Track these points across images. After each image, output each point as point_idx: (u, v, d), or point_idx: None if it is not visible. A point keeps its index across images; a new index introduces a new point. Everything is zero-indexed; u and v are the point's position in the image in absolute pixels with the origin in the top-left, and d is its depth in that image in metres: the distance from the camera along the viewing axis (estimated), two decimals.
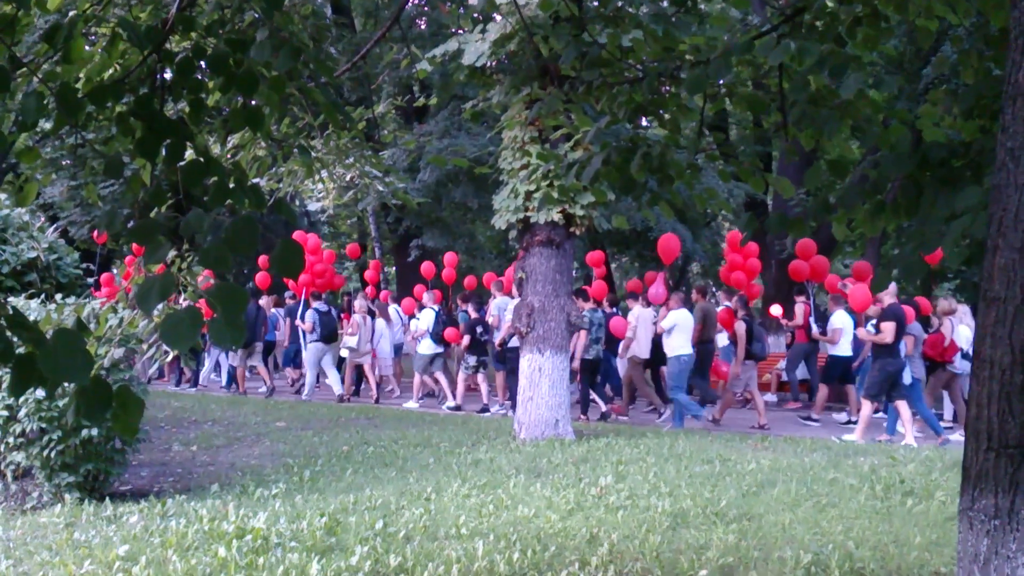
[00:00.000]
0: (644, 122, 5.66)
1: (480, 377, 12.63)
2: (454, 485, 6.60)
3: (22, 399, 6.09)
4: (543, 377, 9.25)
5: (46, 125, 3.29)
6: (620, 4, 5.47)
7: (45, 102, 2.60)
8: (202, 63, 2.94)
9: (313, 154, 5.64)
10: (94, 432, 6.17)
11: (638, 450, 8.25)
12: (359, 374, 14.51)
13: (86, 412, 2.09)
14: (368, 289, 16.09)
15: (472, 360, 12.47)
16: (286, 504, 6.07)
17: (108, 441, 6.33)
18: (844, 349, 11.09)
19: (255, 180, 4.94)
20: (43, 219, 12.20)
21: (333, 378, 14.11)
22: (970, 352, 10.40)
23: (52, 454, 6.20)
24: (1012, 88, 2.44)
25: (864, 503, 5.97)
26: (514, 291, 10.91)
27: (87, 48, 3.25)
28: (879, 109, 3.90)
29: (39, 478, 6.47)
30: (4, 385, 6.12)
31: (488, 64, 9.02)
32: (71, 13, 4.02)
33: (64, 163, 15.77)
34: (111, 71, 3.40)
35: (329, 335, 13.79)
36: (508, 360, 11.84)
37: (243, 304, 1.86)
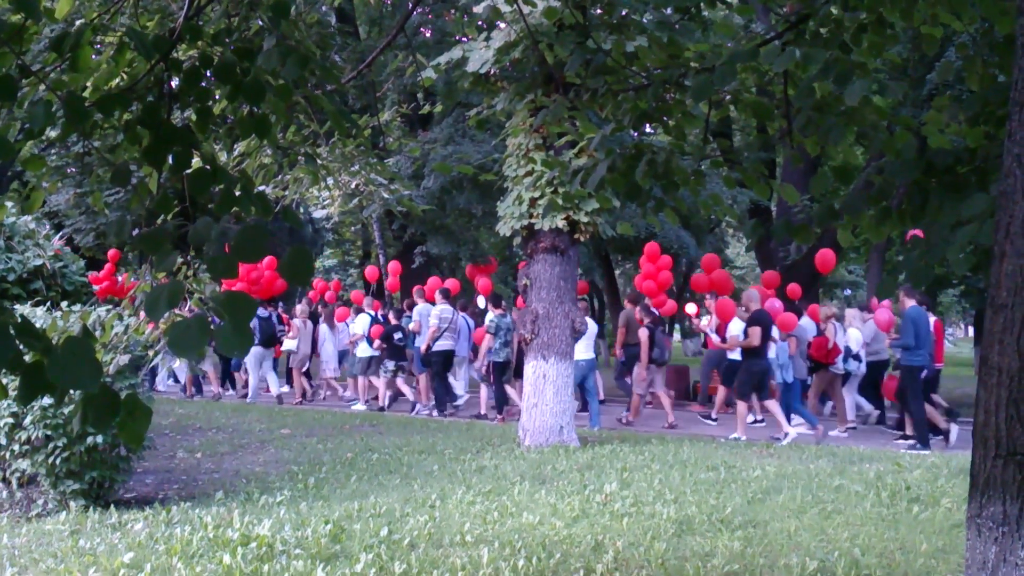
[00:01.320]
0: (648, 129, 5.67)
1: (400, 380, 13.42)
2: (459, 492, 6.59)
3: (26, 406, 6.10)
4: (547, 384, 9.24)
5: (51, 133, 3.31)
6: (624, 12, 5.49)
7: (53, 110, 2.61)
8: (209, 72, 2.95)
9: (319, 161, 5.66)
10: (99, 439, 6.18)
11: (643, 457, 8.24)
12: (308, 376, 15.40)
13: (93, 420, 2.09)
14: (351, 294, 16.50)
15: (391, 364, 13.18)
16: (291, 511, 6.07)
17: (113, 448, 6.34)
18: (779, 357, 11.34)
19: (261, 188, 4.96)
20: (49, 227, 12.24)
21: (272, 381, 14.97)
22: (861, 354, 11.26)
23: (57, 461, 6.20)
24: (1019, 95, 2.44)
25: (870, 510, 5.95)
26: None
27: (94, 57, 3.26)
28: (884, 115, 3.90)
29: (44, 485, 6.48)
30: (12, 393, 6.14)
31: (492, 71, 9.04)
32: (79, 22, 4.04)
33: (70, 171, 15.83)
34: (118, 80, 3.41)
35: (267, 340, 14.49)
36: (432, 363, 12.70)
37: (251, 312, 1.86)
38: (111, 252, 16.24)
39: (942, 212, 3.33)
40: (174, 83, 3.04)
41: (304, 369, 15.05)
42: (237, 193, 2.79)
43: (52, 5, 3.44)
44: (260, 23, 3.83)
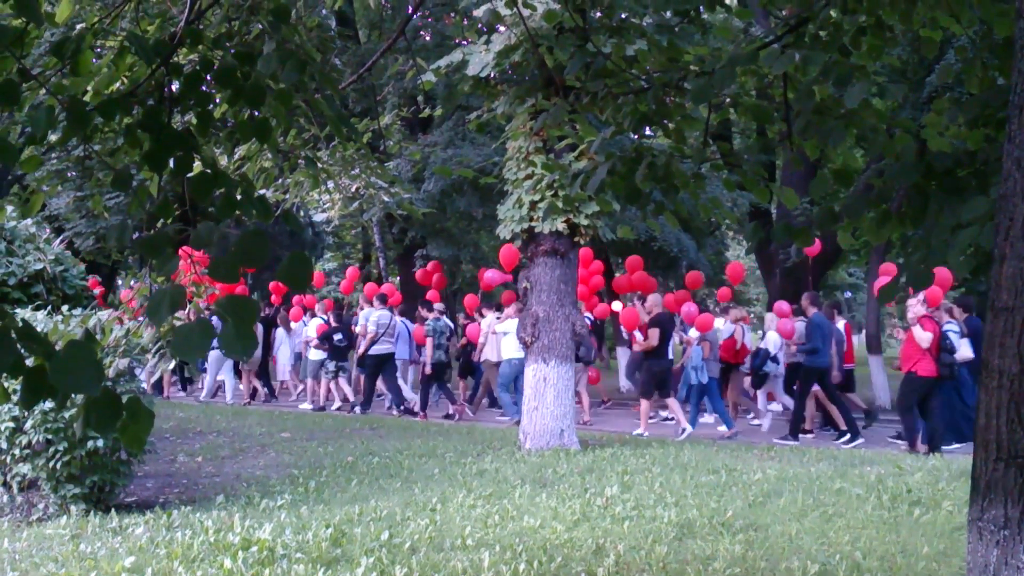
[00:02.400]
0: (648, 132, 5.68)
1: (342, 380, 13.97)
2: (459, 495, 6.59)
3: (28, 411, 6.10)
4: (548, 387, 9.24)
5: (52, 137, 3.31)
6: (624, 15, 5.49)
7: (55, 114, 2.61)
8: (209, 76, 2.96)
9: (319, 165, 5.66)
10: (100, 443, 6.18)
11: (644, 460, 8.23)
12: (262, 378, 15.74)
13: (96, 424, 2.09)
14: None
15: (332, 366, 13.81)
16: (291, 515, 6.07)
17: (114, 452, 6.34)
18: (693, 359, 11.66)
19: (261, 191, 4.95)
20: (49, 231, 12.25)
21: (229, 383, 15.23)
22: (779, 356, 11.65)
23: (58, 466, 6.20)
24: (1018, 98, 2.44)
25: (871, 513, 5.95)
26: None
27: (95, 61, 3.27)
28: (884, 118, 3.90)
29: (45, 490, 6.47)
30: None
31: (492, 75, 9.05)
32: (79, 26, 4.05)
33: (70, 175, 15.83)
34: (118, 84, 3.41)
35: None
36: (368, 365, 13.28)
37: (254, 315, 1.87)
38: (94, 282, 15.88)
39: (942, 215, 3.33)
40: (174, 87, 3.05)
41: (256, 371, 15.35)
42: (238, 197, 2.79)
43: (52, 10, 3.45)
44: (260, 27, 3.84)
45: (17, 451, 6.33)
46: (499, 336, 12.11)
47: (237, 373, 15.27)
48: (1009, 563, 2.36)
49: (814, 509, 6.07)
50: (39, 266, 8.50)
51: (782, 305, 12.21)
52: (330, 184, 7.71)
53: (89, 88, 3.29)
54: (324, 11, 15.18)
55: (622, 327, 13.46)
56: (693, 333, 11.47)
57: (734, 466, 7.79)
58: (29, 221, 8.86)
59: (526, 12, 6.78)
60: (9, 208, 8.63)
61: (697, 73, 3.91)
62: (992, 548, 2.40)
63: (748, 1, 14.75)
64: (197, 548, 5.05)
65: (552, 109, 4.56)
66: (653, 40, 4.45)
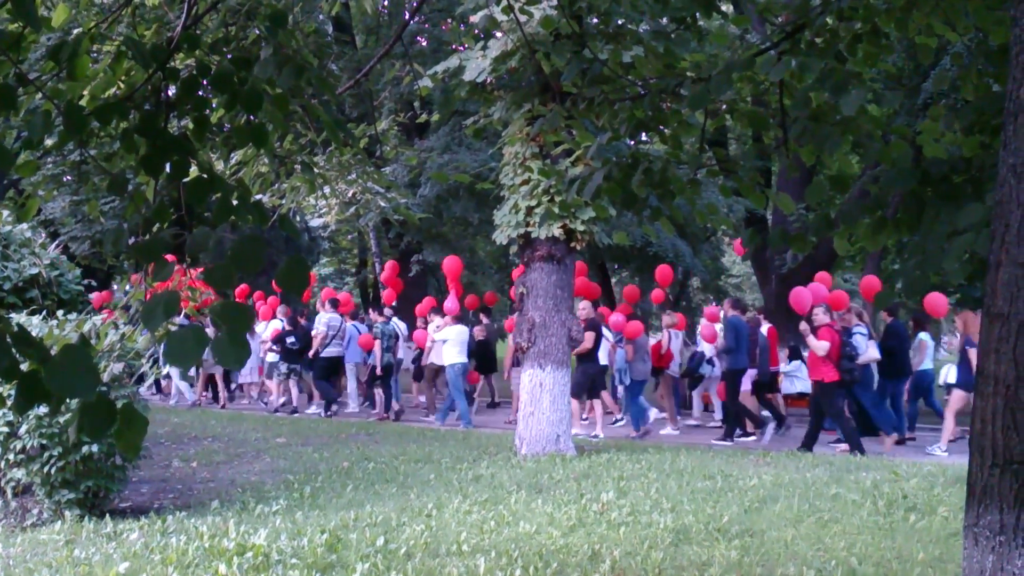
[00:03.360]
0: (644, 137, 5.69)
1: (292, 382, 14.28)
2: (455, 501, 6.58)
3: (22, 415, 6.08)
4: (544, 392, 9.23)
5: (48, 141, 3.30)
6: (621, 22, 5.51)
7: (52, 119, 2.61)
8: (206, 81, 2.96)
9: (315, 170, 5.66)
10: (94, 448, 6.16)
11: (640, 466, 8.23)
12: (214, 381, 15.96)
13: (90, 429, 2.08)
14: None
15: (283, 368, 14.16)
16: (287, 521, 6.05)
17: (108, 458, 6.32)
18: (618, 361, 12.35)
19: (258, 196, 4.95)
20: (44, 235, 12.22)
21: (184, 388, 15.52)
22: (715, 359, 12.16)
23: (52, 471, 6.18)
24: (1014, 105, 2.46)
25: (867, 519, 5.95)
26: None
27: (92, 66, 3.27)
28: (880, 125, 3.92)
29: (39, 495, 6.45)
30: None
31: (489, 80, 9.06)
32: (76, 31, 4.05)
33: (65, 179, 15.81)
34: (115, 88, 3.41)
35: None
36: (318, 369, 13.87)
37: (248, 322, 1.86)
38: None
39: (938, 221, 3.34)
40: (171, 91, 3.04)
41: (220, 373, 15.57)
42: (234, 202, 2.79)
43: (49, 14, 3.45)
44: (257, 32, 3.84)
45: (11, 456, 6.31)
46: (439, 342, 12.74)
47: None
48: (1005, 569, 2.37)
49: (810, 515, 6.07)
50: (34, 270, 8.48)
51: (712, 310, 12.90)
52: (326, 189, 7.71)
53: (85, 92, 3.29)
54: (321, 16, 15.20)
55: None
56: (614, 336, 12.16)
57: (730, 472, 7.79)
58: (24, 225, 8.84)
59: (523, 18, 6.79)
60: (4, 212, 8.61)
61: (694, 79, 3.92)
62: (988, 554, 2.40)
63: (744, 8, 14.80)
64: (192, 554, 5.04)
65: (549, 115, 4.57)
66: (650, 46, 4.47)
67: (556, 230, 9.18)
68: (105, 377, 6.07)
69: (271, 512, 6.47)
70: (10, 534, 6.10)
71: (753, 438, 11.13)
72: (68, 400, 2.09)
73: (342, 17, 18.87)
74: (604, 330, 11.80)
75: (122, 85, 3.30)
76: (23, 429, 6.18)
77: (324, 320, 13.77)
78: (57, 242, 13.39)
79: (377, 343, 13.07)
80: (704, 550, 5.17)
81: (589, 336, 10.98)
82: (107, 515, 6.32)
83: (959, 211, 3.09)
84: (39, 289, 8.38)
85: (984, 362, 2.44)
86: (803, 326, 10.54)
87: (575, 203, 7.28)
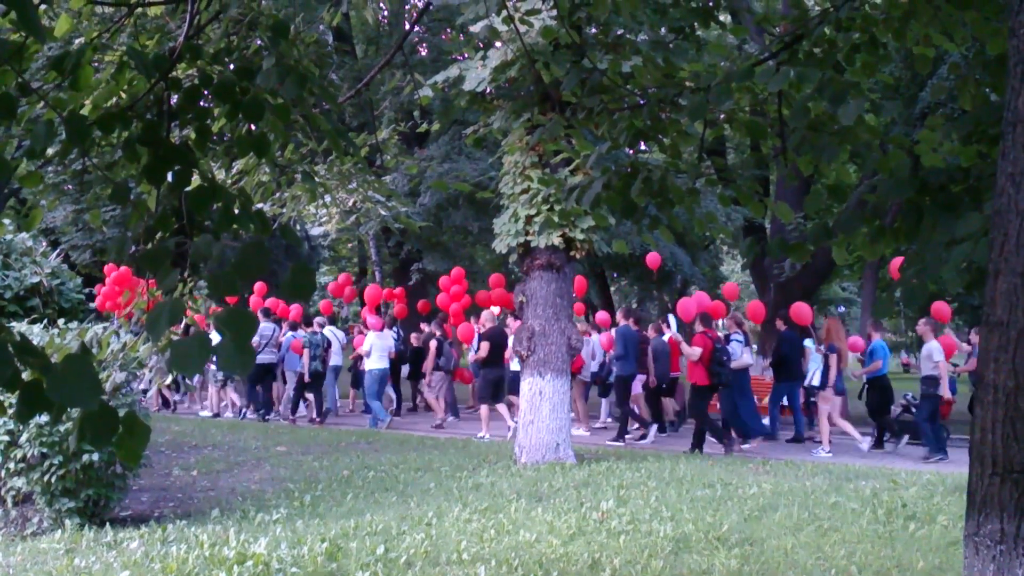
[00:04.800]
0: (643, 147, 5.71)
1: (230, 388, 14.94)
2: (455, 510, 6.57)
3: (24, 424, 6.08)
4: (544, 401, 9.23)
5: (49, 151, 3.31)
6: (620, 32, 5.53)
7: (55, 128, 2.62)
8: (208, 91, 2.97)
9: (316, 179, 5.67)
10: (95, 457, 6.15)
11: (639, 474, 8.23)
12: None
13: (92, 437, 2.09)
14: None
15: (220, 374, 14.66)
16: (287, 529, 6.04)
17: (109, 466, 6.31)
18: (500, 366, 12.79)
19: (259, 205, 4.96)
20: (45, 244, 12.24)
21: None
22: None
23: (53, 479, 6.17)
24: (1012, 115, 2.47)
25: (866, 527, 5.95)
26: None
27: (94, 76, 3.28)
28: (878, 135, 3.93)
29: (39, 503, 6.44)
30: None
31: (489, 90, 9.08)
32: (77, 40, 4.06)
33: (67, 188, 15.82)
34: (116, 98, 3.42)
35: None
36: (250, 374, 13.71)
37: (253, 329, 1.87)
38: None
39: (936, 231, 3.35)
40: (173, 101, 3.06)
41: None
42: (236, 211, 2.80)
43: (51, 24, 3.46)
44: (259, 42, 3.86)
45: (12, 465, 6.31)
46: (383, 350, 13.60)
47: None
48: None
49: (809, 523, 6.07)
50: (35, 279, 8.49)
51: (604, 315, 13.61)
52: (327, 198, 7.73)
53: (87, 102, 3.30)
54: (322, 27, 15.25)
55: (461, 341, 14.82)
56: None
57: (730, 480, 7.78)
58: (25, 234, 8.85)
59: (523, 28, 6.82)
60: (6, 221, 8.62)
61: (693, 90, 3.93)
62: (988, 563, 2.41)
63: (742, 18, 14.86)
64: (192, 563, 5.03)
65: (548, 124, 4.59)
66: (649, 56, 4.49)
67: (555, 239, 9.20)
68: (108, 386, 6.07)
69: (271, 521, 6.46)
70: (10, 543, 6.09)
71: (645, 441, 11.84)
72: (69, 409, 2.10)
73: (343, 27, 18.92)
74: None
75: (124, 95, 3.32)
76: (24, 438, 6.19)
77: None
78: (58, 251, 13.40)
79: (306, 352, 13.65)
80: (704, 559, 5.17)
81: (485, 345, 12.01)
82: (107, 524, 6.31)
83: (957, 220, 3.11)
84: (40, 298, 8.38)
85: (984, 371, 2.45)
86: (675, 334, 11.72)
87: (574, 212, 7.28)
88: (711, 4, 4.53)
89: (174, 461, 9.74)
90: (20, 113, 2.95)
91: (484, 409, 12.25)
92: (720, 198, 4.63)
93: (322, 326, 14.40)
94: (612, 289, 27.36)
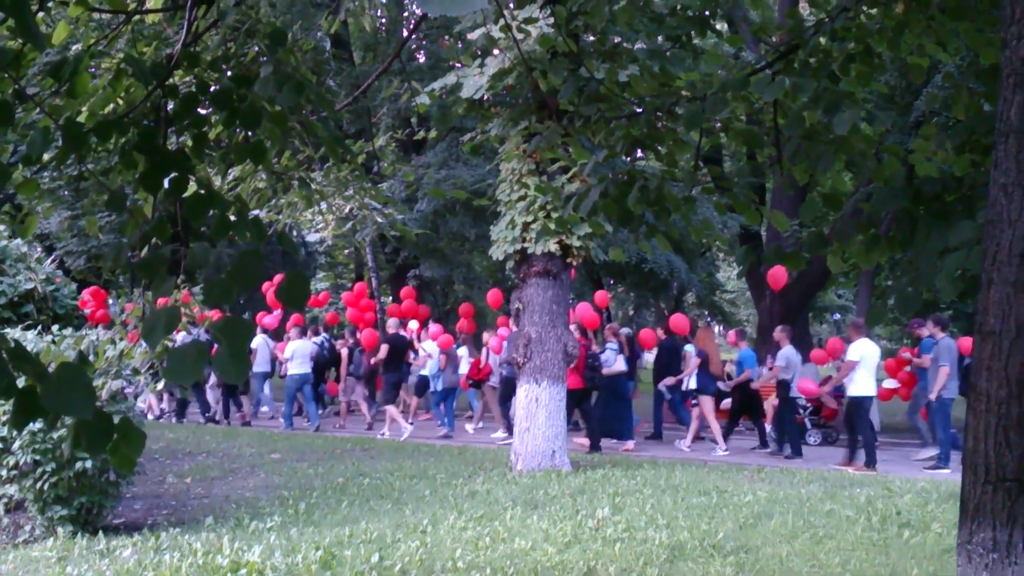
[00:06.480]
0: (639, 154, 5.72)
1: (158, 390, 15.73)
2: (450, 517, 6.56)
3: (19, 432, 6.06)
4: (540, 408, 9.23)
5: (45, 156, 3.31)
6: (617, 40, 5.55)
7: (51, 135, 2.62)
8: (205, 98, 2.97)
9: (313, 186, 5.68)
10: (88, 464, 6.13)
11: (635, 482, 8.22)
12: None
13: (87, 445, 2.09)
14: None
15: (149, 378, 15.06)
16: (281, 537, 6.03)
17: (102, 474, 6.29)
18: (431, 370, 13.74)
19: (255, 212, 4.97)
20: (40, 250, 12.22)
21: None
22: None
23: (45, 487, 6.15)
24: (1004, 125, 2.49)
25: (861, 535, 5.95)
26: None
27: (93, 82, 3.28)
28: (872, 143, 3.95)
29: (32, 511, 6.42)
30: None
31: (486, 97, 9.10)
32: (75, 47, 4.07)
33: (62, 193, 15.80)
34: (113, 105, 3.43)
35: None
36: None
37: (249, 337, 1.87)
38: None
39: (930, 239, 3.37)
40: (170, 107, 3.06)
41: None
42: (232, 218, 2.80)
43: (48, 30, 3.47)
44: (256, 50, 3.87)
45: (4, 472, 6.28)
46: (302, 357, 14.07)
47: None
48: None
49: (804, 531, 6.07)
50: (30, 285, 8.47)
51: (503, 320, 14.29)
52: (323, 205, 7.73)
53: (84, 109, 3.30)
54: (319, 33, 15.27)
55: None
56: (429, 347, 13.57)
57: (725, 488, 7.78)
58: (20, 240, 8.84)
59: (520, 36, 6.84)
60: (1, 227, 8.61)
61: (689, 99, 3.95)
62: (981, 571, 2.41)
63: (739, 28, 14.91)
64: (186, 571, 5.02)
65: (545, 132, 4.61)
66: (645, 65, 4.50)
67: (552, 246, 9.21)
68: (104, 394, 6.05)
69: (265, 528, 6.45)
70: (2, 551, 6.07)
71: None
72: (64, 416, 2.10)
73: (340, 34, 18.94)
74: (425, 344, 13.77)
75: (121, 102, 3.32)
76: (16, 445, 6.16)
77: (197, 334, 14.66)
78: (52, 257, 13.38)
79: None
80: (699, 566, 5.17)
81: (384, 349, 12.99)
82: (100, 531, 6.29)
83: (951, 229, 3.12)
84: (34, 304, 8.37)
85: (976, 379, 2.46)
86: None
87: (571, 219, 7.30)
88: (707, 13, 4.56)
89: (168, 468, 9.71)
90: (16, 119, 2.95)
91: (392, 409, 13.06)
92: (716, 206, 4.65)
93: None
94: (609, 296, 27.38)
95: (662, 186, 4.09)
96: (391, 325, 13.72)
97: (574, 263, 9.55)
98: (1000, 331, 2.40)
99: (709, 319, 32.98)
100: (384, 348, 13.05)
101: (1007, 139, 2.48)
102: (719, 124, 4.30)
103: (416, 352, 14.23)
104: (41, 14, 3.26)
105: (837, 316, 34.71)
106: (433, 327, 14.37)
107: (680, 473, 8.81)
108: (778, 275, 13.84)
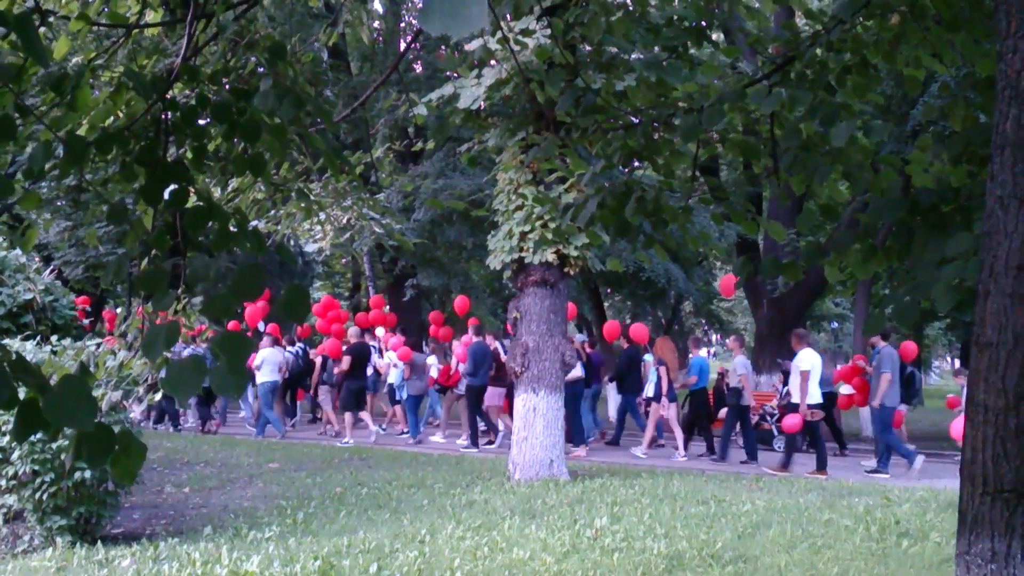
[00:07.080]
0: (637, 165, 5.74)
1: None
2: (448, 527, 6.56)
3: (21, 443, 6.05)
4: (537, 417, 9.23)
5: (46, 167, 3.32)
6: (614, 51, 5.58)
7: (52, 148, 2.63)
8: (205, 111, 2.99)
9: (311, 197, 5.69)
10: (87, 475, 6.12)
11: (633, 491, 8.22)
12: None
13: (88, 457, 2.09)
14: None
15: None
16: (279, 547, 6.02)
17: (101, 483, 6.28)
18: (395, 379, 14.58)
19: (254, 223, 4.98)
20: (38, 260, 12.21)
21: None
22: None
23: (44, 497, 6.14)
24: (1000, 137, 2.51)
25: (859, 544, 5.95)
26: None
27: (93, 94, 3.29)
28: (869, 154, 3.97)
29: (31, 521, 6.41)
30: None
31: (483, 108, 9.12)
32: (75, 60, 4.09)
33: (60, 203, 15.80)
34: (113, 118, 3.44)
35: None
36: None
37: (247, 352, 1.88)
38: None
39: (927, 250, 3.39)
40: (169, 119, 3.07)
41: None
42: (233, 230, 2.81)
43: (50, 44, 3.48)
44: (255, 62, 3.88)
45: (3, 482, 6.27)
46: (272, 365, 14.37)
47: None
48: None
49: (803, 540, 6.07)
50: (28, 296, 8.47)
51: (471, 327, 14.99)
52: (322, 215, 7.74)
53: (84, 122, 3.31)
54: (317, 45, 15.31)
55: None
56: (389, 357, 14.13)
57: (723, 497, 7.78)
58: (19, 251, 8.83)
59: (517, 48, 6.87)
60: None
61: (686, 110, 3.97)
62: None
63: (735, 39, 14.96)
64: None
65: (543, 143, 4.62)
66: (642, 76, 4.53)
67: (549, 255, 9.22)
68: (104, 406, 6.04)
69: (264, 538, 6.44)
70: (1, 561, 6.06)
71: (492, 446, 13.02)
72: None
73: (338, 44, 18.97)
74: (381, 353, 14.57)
75: (122, 115, 3.33)
76: (15, 455, 6.15)
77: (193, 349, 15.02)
78: (51, 267, 13.38)
79: None
80: None
81: (347, 359, 13.40)
82: (99, 541, 6.28)
83: (948, 240, 3.14)
84: (33, 314, 8.36)
85: (974, 391, 2.47)
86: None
87: (569, 229, 7.32)
88: (704, 24, 4.58)
89: (166, 478, 9.70)
90: (18, 132, 2.97)
91: (348, 416, 13.54)
92: (713, 216, 4.66)
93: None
94: (606, 305, 27.37)
95: (659, 196, 4.11)
96: (352, 334, 14.04)
97: (571, 272, 9.57)
98: (997, 343, 2.42)
99: (706, 327, 33.07)
100: (346, 360, 13.42)
101: (1003, 151, 2.50)
102: (716, 135, 4.32)
103: (382, 354, 14.68)
104: (43, 29, 3.27)
105: (835, 325, 34.73)
106: (393, 339, 14.81)
107: (678, 482, 8.81)
108: (727, 284, 14.55)
